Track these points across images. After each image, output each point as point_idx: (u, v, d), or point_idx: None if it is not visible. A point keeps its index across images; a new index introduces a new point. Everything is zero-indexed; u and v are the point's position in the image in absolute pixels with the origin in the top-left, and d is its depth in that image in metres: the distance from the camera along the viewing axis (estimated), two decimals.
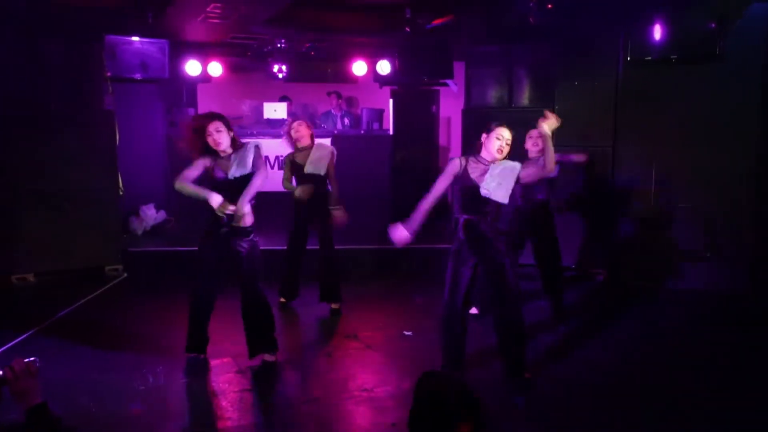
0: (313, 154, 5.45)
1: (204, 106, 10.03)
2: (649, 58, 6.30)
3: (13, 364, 2.01)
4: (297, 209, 5.57)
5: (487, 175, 3.94)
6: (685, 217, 6.43)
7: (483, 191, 3.92)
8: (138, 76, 7.09)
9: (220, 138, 4.19)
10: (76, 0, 6.34)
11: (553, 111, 6.80)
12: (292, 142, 5.52)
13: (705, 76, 6.22)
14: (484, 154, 4.03)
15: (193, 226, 8.52)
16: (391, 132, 8.86)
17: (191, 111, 9.03)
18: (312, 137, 5.58)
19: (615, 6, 6.40)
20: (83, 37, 6.82)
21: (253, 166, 4.20)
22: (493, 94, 7.53)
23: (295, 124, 5.53)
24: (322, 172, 5.45)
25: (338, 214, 5.43)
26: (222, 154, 4.26)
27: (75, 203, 6.74)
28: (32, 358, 2.05)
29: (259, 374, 4.30)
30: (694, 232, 6.40)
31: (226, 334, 4.64)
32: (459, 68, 8.23)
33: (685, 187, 6.42)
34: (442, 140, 10.45)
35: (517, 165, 4.03)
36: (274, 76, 9.31)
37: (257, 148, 4.27)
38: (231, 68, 9.54)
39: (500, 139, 3.98)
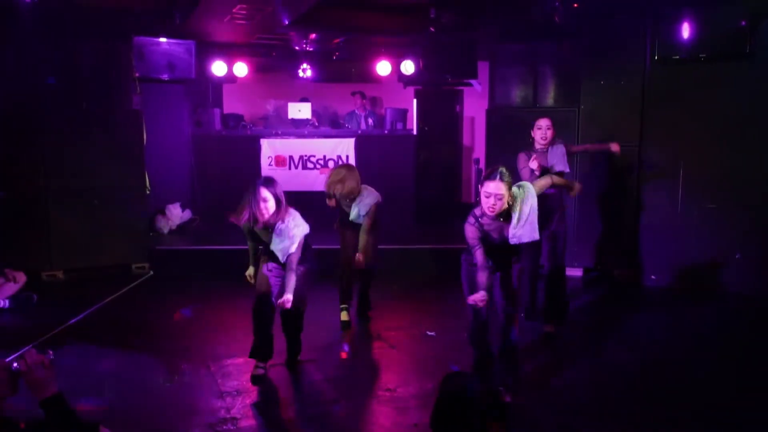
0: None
1: (229, 106, 10.16)
2: (677, 56, 6.19)
3: (25, 356, 2.04)
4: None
5: (510, 227, 3.75)
6: (713, 217, 6.32)
7: (512, 240, 3.76)
8: (165, 77, 7.16)
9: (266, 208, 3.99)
10: (106, 1, 6.42)
11: (578, 111, 6.87)
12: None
13: (735, 75, 6.10)
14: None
15: (218, 225, 8.66)
16: (414, 132, 8.84)
17: (217, 111, 9.12)
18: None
19: (642, 4, 6.31)
20: (112, 38, 6.91)
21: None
22: (517, 94, 7.45)
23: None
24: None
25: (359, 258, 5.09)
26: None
27: (103, 202, 6.84)
28: (48, 351, 2.08)
29: (282, 373, 4.32)
30: (722, 233, 6.28)
31: (249, 333, 4.65)
32: (483, 68, 8.18)
33: (713, 187, 6.31)
34: (465, 140, 10.41)
35: (531, 202, 3.76)
36: (299, 76, 9.35)
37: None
38: (256, 68, 9.61)
39: (489, 196, 3.63)
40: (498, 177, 3.62)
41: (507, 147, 7.21)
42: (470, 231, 3.79)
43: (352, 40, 8.55)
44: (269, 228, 4.05)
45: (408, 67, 8.58)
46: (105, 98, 6.92)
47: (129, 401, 3.89)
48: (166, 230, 8.26)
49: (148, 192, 7.32)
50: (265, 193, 3.92)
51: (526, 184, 3.89)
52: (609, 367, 4.48)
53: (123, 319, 5.51)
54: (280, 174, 8.87)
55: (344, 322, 5.33)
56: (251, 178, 8.60)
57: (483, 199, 3.67)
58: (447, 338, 4.98)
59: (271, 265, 4.17)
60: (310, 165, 8.84)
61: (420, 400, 3.87)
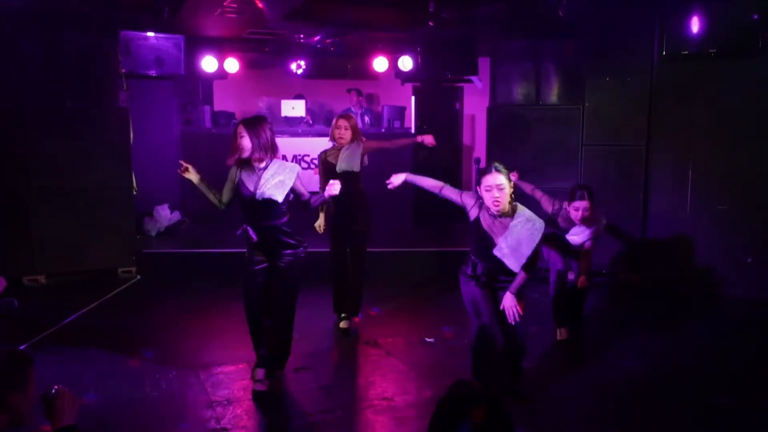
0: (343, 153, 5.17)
1: (220, 103, 10.13)
2: (686, 52, 6.18)
3: (58, 388, 2.17)
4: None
5: (506, 234, 3.64)
6: (723, 219, 6.31)
7: (496, 252, 3.64)
8: (153, 73, 7.13)
9: (244, 143, 3.96)
10: None
11: (582, 109, 6.87)
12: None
13: (746, 71, 6.09)
14: None
15: (208, 227, 8.64)
16: (413, 130, 8.83)
17: (207, 108, 9.09)
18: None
19: None
20: (98, 32, 6.88)
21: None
22: (519, 91, 7.46)
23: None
24: (356, 169, 5.15)
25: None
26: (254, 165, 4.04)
27: (88, 203, 6.81)
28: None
29: (275, 381, 4.28)
30: (734, 236, 6.28)
31: (241, 339, 4.63)
32: (484, 64, 8.17)
33: (723, 188, 6.31)
34: (466, 139, 10.40)
35: (538, 228, 3.64)
36: (293, 72, 9.34)
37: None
38: (248, 64, 9.58)
39: (490, 189, 3.59)
40: (494, 170, 3.65)
41: (509, 146, 7.24)
42: (467, 199, 3.84)
43: (347, 35, 8.54)
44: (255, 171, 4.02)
45: (406, 63, 8.55)
46: (90, 95, 6.89)
47: (114, 411, 3.86)
48: (153, 233, 8.22)
49: (135, 193, 7.29)
50: (241, 129, 3.97)
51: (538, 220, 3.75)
52: (614, 373, 4.46)
53: (108, 326, 5.48)
54: None
55: (344, 330, 5.30)
56: None
57: (485, 195, 3.64)
58: (446, 344, 4.96)
59: (252, 232, 4.04)
60: (304, 165, 8.81)
61: (418, 409, 3.84)
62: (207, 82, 9.82)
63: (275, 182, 3.93)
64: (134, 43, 6.96)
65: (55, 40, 6.69)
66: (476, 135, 10.52)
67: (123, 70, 7.03)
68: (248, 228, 4.05)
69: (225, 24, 7.44)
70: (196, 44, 8.25)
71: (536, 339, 4.91)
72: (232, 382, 4.26)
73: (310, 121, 9.47)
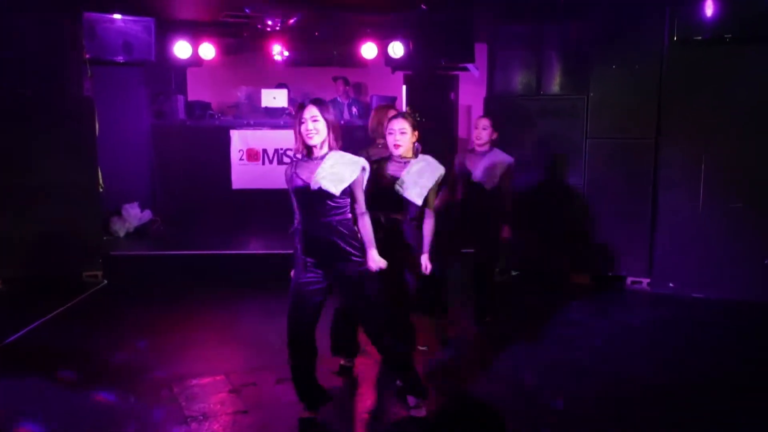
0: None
1: (194, 92, 10.08)
2: (699, 37, 6.21)
3: None
4: None
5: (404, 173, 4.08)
6: (738, 218, 6.35)
7: (398, 187, 4.05)
8: (120, 59, 7.09)
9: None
10: None
11: (587, 100, 6.88)
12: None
13: (764, 58, 6.14)
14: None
15: (182, 227, 8.61)
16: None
17: (180, 98, 9.05)
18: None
19: None
20: (59, 13, 6.81)
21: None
22: (519, 80, 7.46)
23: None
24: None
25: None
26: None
27: (49, 201, 6.74)
28: None
29: (255, 394, 4.26)
30: (749, 235, 6.33)
31: (218, 349, 4.61)
32: (481, 51, 8.17)
33: (739, 184, 6.35)
34: (461, 132, 10.40)
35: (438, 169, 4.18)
36: (274, 59, 9.30)
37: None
38: (225, 50, 9.55)
39: (392, 133, 4.12)
40: (401, 116, 4.12)
41: (508, 140, 7.22)
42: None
43: (333, 19, 8.52)
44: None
45: (396, 49, 8.55)
46: (50, 83, 6.82)
47: (79, 429, 3.81)
48: (122, 233, 8.18)
49: (101, 190, 7.24)
50: (313, 110, 3.61)
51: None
52: (622, 381, 4.47)
53: (72, 335, 5.43)
54: (252, 170, 8.83)
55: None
56: (219, 173, 8.72)
57: (388, 139, 4.11)
58: (441, 353, 4.96)
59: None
60: (286, 159, 8.79)
61: (411, 423, 3.83)
62: (180, 69, 9.77)
63: (333, 172, 3.58)
64: (99, 25, 6.92)
65: (12, 21, 6.62)
66: (472, 127, 10.51)
67: (87, 56, 6.99)
68: (297, 231, 3.71)
69: (199, 5, 7.41)
70: (168, 28, 8.21)
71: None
72: (208, 395, 4.23)
73: (293, 113, 9.42)
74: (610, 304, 6.36)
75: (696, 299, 6.47)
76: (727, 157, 6.37)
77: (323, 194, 3.54)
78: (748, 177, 6.31)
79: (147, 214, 8.53)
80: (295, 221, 3.70)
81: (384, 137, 4.31)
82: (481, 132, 5.44)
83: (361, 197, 3.67)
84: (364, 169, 3.65)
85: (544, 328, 5.57)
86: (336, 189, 3.54)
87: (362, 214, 3.69)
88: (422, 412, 3.87)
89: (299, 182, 3.59)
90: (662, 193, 6.68)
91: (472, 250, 5.55)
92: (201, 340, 5.25)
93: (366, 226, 3.68)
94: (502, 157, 5.38)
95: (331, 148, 3.63)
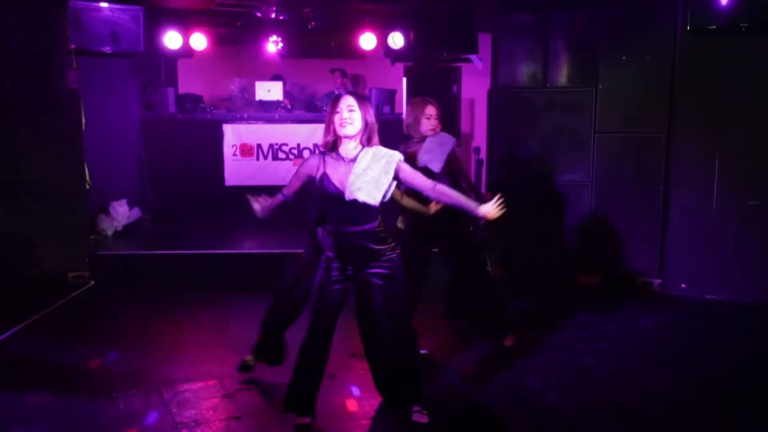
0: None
1: (185, 85, 10.06)
2: (714, 26, 6.16)
3: None
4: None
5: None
6: (754, 216, 6.32)
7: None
8: (107, 49, 7.06)
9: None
10: None
11: (595, 92, 6.85)
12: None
13: None
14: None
15: (172, 225, 8.58)
16: (404, 116, 8.77)
17: (170, 91, 9.02)
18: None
19: None
20: (43, 1, 6.77)
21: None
22: (525, 72, 7.43)
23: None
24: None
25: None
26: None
27: (33, 199, 6.71)
28: None
29: (249, 400, 4.23)
30: (766, 234, 6.29)
31: (210, 352, 4.59)
32: (485, 41, 8.15)
33: (755, 180, 6.32)
34: (464, 126, 10.38)
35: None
36: (269, 50, 9.27)
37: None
38: (217, 41, 9.52)
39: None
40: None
41: (512, 134, 7.22)
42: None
43: (331, 8, 8.49)
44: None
45: (397, 40, 8.53)
46: (34, 74, 6.80)
47: None
48: (110, 232, 8.16)
49: (88, 187, 7.22)
50: (350, 100, 3.54)
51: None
52: (632, 388, 4.44)
53: (57, 338, 5.40)
54: (245, 165, 8.81)
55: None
56: (211, 169, 8.70)
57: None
58: (439, 356, 4.93)
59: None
60: (281, 155, 8.78)
61: (410, 429, 3.80)
62: (170, 60, 9.76)
63: (368, 179, 3.50)
64: (85, 14, 6.88)
65: None
66: (476, 121, 10.51)
67: (72, 46, 6.96)
68: (325, 233, 3.66)
69: None
70: (158, 17, 8.19)
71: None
72: (200, 401, 4.20)
73: (289, 106, 9.41)
74: (618, 305, 6.33)
75: (709, 301, 6.44)
76: (743, 153, 6.33)
77: (359, 205, 3.51)
78: (765, 173, 6.28)
79: (136, 212, 8.50)
80: (322, 223, 3.67)
81: (420, 133, 4.57)
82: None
83: (419, 181, 3.60)
84: (400, 161, 3.57)
85: (549, 330, 5.54)
86: (375, 200, 3.51)
87: (433, 186, 3.60)
88: (425, 418, 3.84)
89: (332, 188, 3.53)
90: (674, 190, 6.66)
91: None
92: (192, 343, 5.23)
93: (447, 192, 3.62)
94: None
95: (363, 147, 3.57)
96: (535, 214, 7.01)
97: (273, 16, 8.50)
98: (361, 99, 3.57)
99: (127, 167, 8.85)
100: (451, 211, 4.60)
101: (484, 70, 8.65)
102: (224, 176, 8.85)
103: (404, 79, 9.06)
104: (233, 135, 8.82)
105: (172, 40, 8.56)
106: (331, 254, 3.61)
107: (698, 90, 6.47)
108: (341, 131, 3.51)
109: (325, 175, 3.55)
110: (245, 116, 8.95)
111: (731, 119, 6.34)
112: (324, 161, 3.58)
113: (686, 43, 6.43)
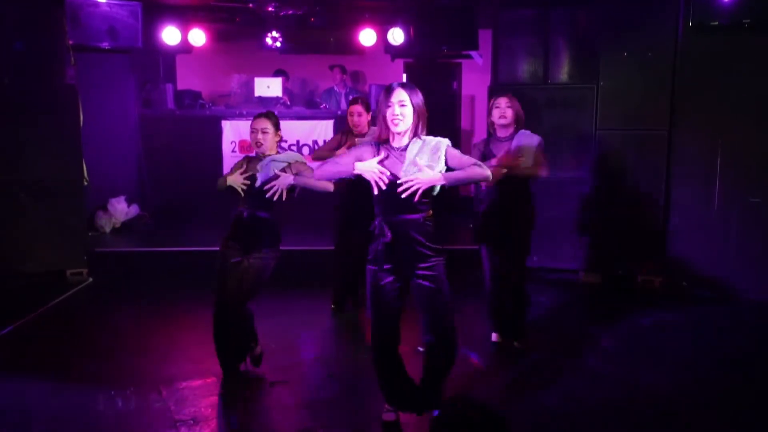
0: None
1: (184, 81, 10.05)
2: (716, 23, 6.18)
3: None
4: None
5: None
6: (756, 214, 6.33)
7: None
8: (105, 45, 7.06)
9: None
10: None
11: (596, 89, 6.86)
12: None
13: None
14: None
15: (171, 222, 8.59)
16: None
17: (169, 87, 9.02)
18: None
19: None
20: None
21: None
22: (525, 68, 7.44)
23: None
24: None
25: None
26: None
27: (31, 195, 6.72)
28: None
29: (248, 398, 4.25)
30: (767, 232, 6.30)
31: (209, 350, 4.59)
32: (485, 37, 8.16)
33: (757, 178, 6.33)
34: (464, 123, 10.40)
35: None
36: (268, 46, 9.28)
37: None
38: (216, 37, 9.53)
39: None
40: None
41: None
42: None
43: (330, 4, 8.49)
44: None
45: (396, 36, 8.53)
46: (32, 71, 6.80)
47: None
48: (108, 229, 8.17)
49: (86, 184, 7.22)
50: (401, 93, 3.50)
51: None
52: (630, 388, 4.44)
53: (55, 336, 5.40)
54: None
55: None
56: (210, 166, 8.70)
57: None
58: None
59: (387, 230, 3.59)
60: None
61: (410, 429, 3.81)
62: (169, 56, 9.76)
63: (418, 168, 3.50)
64: (83, 10, 6.88)
65: None
66: (476, 118, 10.51)
67: (70, 42, 6.95)
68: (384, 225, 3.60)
69: None
70: (156, 12, 8.19)
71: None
72: (198, 398, 4.20)
73: (288, 102, 9.41)
74: (619, 303, 6.34)
75: (711, 299, 6.45)
76: (745, 150, 6.34)
77: (410, 195, 3.46)
78: (767, 170, 6.29)
79: (134, 209, 8.51)
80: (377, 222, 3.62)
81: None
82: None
83: (466, 162, 3.54)
84: (448, 146, 3.55)
85: (549, 329, 5.55)
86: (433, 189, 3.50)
87: (484, 172, 3.53)
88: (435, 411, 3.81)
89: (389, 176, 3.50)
90: (676, 188, 6.66)
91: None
92: (191, 341, 5.23)
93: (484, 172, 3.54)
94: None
95: (414, 137, 3.55)
96: (537, 211, 7.00)
97: (272, 10, 8.51)
98: (412, 90, 3.54)
99: (126, 164, 8.86)
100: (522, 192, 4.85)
101: (484, 67, 8.66)
102: (223, 173, 8.82)
103: (404, 76, 9.09)
104: (232, 131, 8.82)
105: (170, 35, 8.56)
106: (381, 247, 3.56)
107: (700, 87, 6.48)
108: (394, 129, 3.51)
109: (383, 163, 3.54)
110: (244, 112, 8.94)
111: (733, 117, 6.35)
112: (378, 150, 3.59)
113: (688, 40, 6.44)
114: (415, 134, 3.53)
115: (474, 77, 9.67)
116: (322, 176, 3.75)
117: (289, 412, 4.11)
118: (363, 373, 4.66)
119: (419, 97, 3.52)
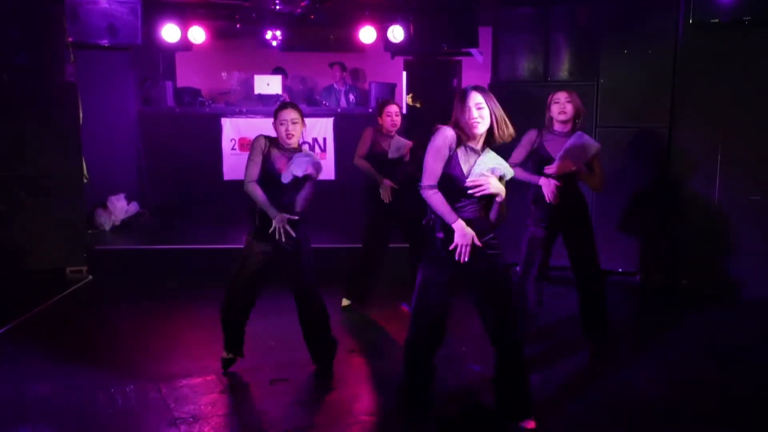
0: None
1: (184, 78, 10.05)
2: (717, 20, 6.16)
3: None
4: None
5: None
6: (757, 211, 6.33)
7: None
8: (105, 42, 7.05)
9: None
10: None
11: (596, 86, 6.85)
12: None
13: None
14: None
15: (171, 220, 8.59)
16: (404, 110, 8.79)
17: (169, 84, 9.02)
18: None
19: None
20: None
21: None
22: (525, 66, 7.43)
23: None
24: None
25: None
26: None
27: (31, 193, 6.72)
28: None
29: (247, 395, 4.26)
30: None
31: (208, 348, 4.60)
32: (485, 35, 8.15)
33: (757, 176, 6.32)
34: None
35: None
36: (267, 43, 9.28)
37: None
38: (216, 34, 9.52)
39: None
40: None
41: (514, 128, 7.19)
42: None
43: (330, 1, 8.48)
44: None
45: (396, 33, 8.53)
46: (31, 68, 6.78)
47: None
48: (108, 227, 8.17)
49: (86, 181, 7.22)
50: (477, 96, 3.52)
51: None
52: (628, 390, 4.43)
53: (55, 334, 5.40)
54: (244, 160, 8.75)
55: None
56: (210, 164, 8.71)
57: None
58: (443, 352, 4.93)
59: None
60: None
61: (410, 427, 3.82)
62: (168, 54, 9.76)
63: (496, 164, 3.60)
64: (82, 7, 6.87)
65: None
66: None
67: (70, 39, 6.94)
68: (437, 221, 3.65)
69: None
70: (156, 9, 8.18)
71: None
72: (198, 396, 4.21)
73: (288, 100, 9.40)
74: (619, 302, 6.33)
75: (711, 297, 6.43)
76: (746, 148, 6.32)
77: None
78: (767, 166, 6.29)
79: (134, 207, 8.51)
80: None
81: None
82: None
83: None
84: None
85: (549, 328, 5.56)
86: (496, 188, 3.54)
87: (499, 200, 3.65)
88: (532, 423, 3.74)
89: (458, 171, 3.57)
90: (676, 185, 6.66)
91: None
92: (191, 339, 5.24)
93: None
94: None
95: (487, 143, 3.61)
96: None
97: (272, 8, 8.50)
98: (487, 94, 3.56)
99: (125, 161, 8.86)
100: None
101: (484, 64, 8.65)
102: (223, 170, 8.86)
103: (404, 73, 9.09)
104: (232, 129, 8.82)
105: (170, 33, 8.56)
106: (441, 235, 3.61)
107: (700, 84, 6.47)
108: (475, 130, 3.52)
109: (455, 154, 3.58)
110: (244, 110, 8.95)
111: (734, 114, 6.34)
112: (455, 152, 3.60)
113: (688, 36, 6.43)
114: (492, 137, 3.57)
115: (474, 75, 9.66)
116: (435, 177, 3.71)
117: (289, 409, 4.12)
118: (358, 371, 4.68)
119: (495, 102, 3.56)
